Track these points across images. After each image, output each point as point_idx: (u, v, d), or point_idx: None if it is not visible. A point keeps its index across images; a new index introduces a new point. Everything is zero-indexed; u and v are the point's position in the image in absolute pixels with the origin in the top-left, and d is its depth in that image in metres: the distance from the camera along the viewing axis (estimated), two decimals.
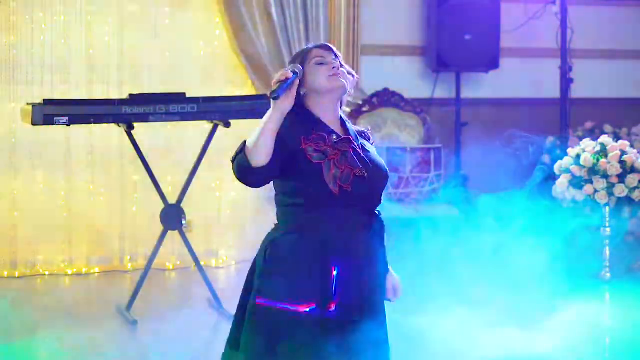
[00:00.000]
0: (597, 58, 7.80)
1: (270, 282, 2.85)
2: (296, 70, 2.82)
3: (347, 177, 2.82)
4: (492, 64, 7.20)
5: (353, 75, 3.01)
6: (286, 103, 2.75)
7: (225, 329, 5.30)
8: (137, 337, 5.16)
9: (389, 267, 3.02)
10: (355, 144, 2.91)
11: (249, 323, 2.86)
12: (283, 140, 2.77)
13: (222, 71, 6.79)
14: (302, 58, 2.96)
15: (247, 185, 2.81)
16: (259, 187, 2.83)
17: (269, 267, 2.87)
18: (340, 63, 2.97)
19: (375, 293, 2.93)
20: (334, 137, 2.87)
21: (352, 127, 3.00)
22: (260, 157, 2.71)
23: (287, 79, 2.77)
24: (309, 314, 2.78)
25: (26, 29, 6.36)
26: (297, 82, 2.80)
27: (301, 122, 2.89)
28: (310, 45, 3.03)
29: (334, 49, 3.01)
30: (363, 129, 3.07)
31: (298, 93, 2.87)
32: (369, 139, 3.05)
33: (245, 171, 2.74)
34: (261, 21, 6.69)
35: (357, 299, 2.84)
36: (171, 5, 6.64)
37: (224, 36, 6.73)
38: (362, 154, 2.90)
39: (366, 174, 2.85)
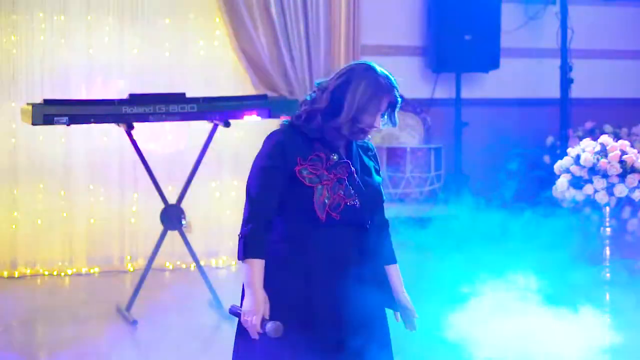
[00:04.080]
0: (597, 58, 7.80)
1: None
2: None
3: (338, 205, 2.77)
4: (492, 64, 7.20)
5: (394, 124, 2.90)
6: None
7: (225, 329, 5.32)
8: (137, 337, 5.16)
9: (399, 287, 2.95)
10: (354, 167, 2.82)
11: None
12: (280, 169, 2.75)
13: (222, 71, 6.78)
14: (378, 102, 2.78)
15: None
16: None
17: None
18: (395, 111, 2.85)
19: (368, 318, 2.84)
20: (335, 158, 2.80)
21: (357, 143, 2.90)
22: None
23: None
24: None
25: (26, 29, 6.36)
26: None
27: (305, 138, 2.80)
28: (393, 85, 2.83)
29: (400, 99, 2.87)
30: (365, 141, 2.95)
31: (339, 114, 2.77)
32: (369, 150, 2.96)
33: None
34: (261, 21, 6.68)
35: (342, 324, 2.80)
36: (171, 5, 6.64)
37: (224, 36, 6.73)
38: (359, 180, 2.82)
39: (358, 203, 2.79)
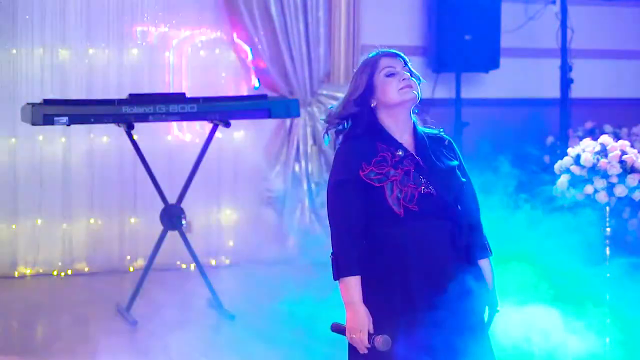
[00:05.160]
0: (597, 58, 7.80)
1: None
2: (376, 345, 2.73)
3: (412, 196, 2.75)
4: (492, 64, 7.20)
5: (420, 80, 2.92)
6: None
7: (225, 329, 5.31)
8: (137, 337, 5.16)
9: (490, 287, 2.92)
10: (419, 157, 2.81)
11: None
12: (351, 180, 2.77)
13: (222, 71, 6.78)
14: (371, 68, 2.87)
15: None
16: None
17: None
18: (410, 69, 2.90)
19: (465, 319, 2.82)
20: (400, 153, 2.81)
21: (425, 132, 2.91)
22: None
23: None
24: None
25: (26, 29, 6.35)
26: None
27: (367, 142, 2.82)
28: (377, 53, 2.92)
29: (402, 55, 2.93)
30: (437, 131, 2.97)
31: (369, 105, 2.84)
32: (444, 140, 2.95)
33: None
34: (261, 21, 6.68)
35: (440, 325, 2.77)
36: (171, 5, 6.64)
37: (224, 36, 6.72)
38: (428, 168, 2.80)
39: (432, 190, 2.77)
